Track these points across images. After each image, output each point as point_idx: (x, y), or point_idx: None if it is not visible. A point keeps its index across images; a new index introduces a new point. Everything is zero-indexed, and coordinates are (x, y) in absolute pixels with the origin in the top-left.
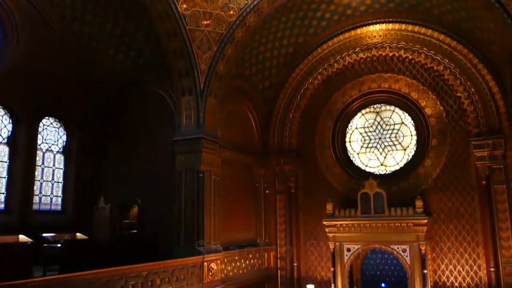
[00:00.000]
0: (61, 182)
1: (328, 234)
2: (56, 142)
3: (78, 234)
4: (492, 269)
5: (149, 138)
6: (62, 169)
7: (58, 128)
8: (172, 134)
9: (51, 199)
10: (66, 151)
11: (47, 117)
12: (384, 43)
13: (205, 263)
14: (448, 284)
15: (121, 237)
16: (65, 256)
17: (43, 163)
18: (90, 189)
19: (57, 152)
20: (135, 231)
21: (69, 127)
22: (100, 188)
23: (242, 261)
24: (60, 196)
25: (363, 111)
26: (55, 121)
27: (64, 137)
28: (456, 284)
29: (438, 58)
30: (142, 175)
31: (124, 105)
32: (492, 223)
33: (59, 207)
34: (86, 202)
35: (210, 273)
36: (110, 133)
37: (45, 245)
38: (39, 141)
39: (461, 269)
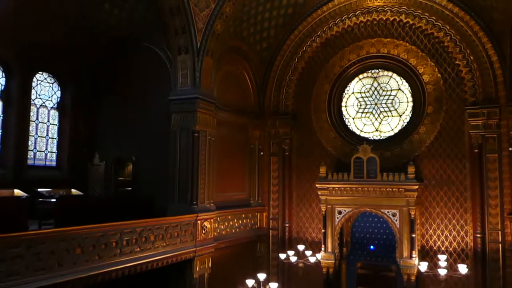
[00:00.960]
0: (55, 138)
1: (320, 196)
2: (51, 98)
3: (73, 190)
4: (478, 235)
5: (145, 95)
6: (56, 125)
7: (52, 83)
8: (167, 92)
9: (46, 155)
10: (60, 106)
11: (41, 72)
12: (385, 6)
13: (199, 222)
14: (435, 248)
15: (116, 194)
16: (60, 211)
17: (37, 119)
18: (85, 146)
19: (51, 107)
20: (130, 188)
21: (64, 82)
22: (95, 144)
23: (235, 220)
24: (55, 152)
25: (361, 76)
26: (49, 76)
27: (59, 93)
28: (443, 248)
29: (439, 24)
30: (137, 133)
31: (119, 61)
32: (481, 191)
33: (53, 163)
34: (81, 158)
35: (203, 231)
36: (105, 90)
37: (40, 200)
38: (33, 96)
39: (448, 234)
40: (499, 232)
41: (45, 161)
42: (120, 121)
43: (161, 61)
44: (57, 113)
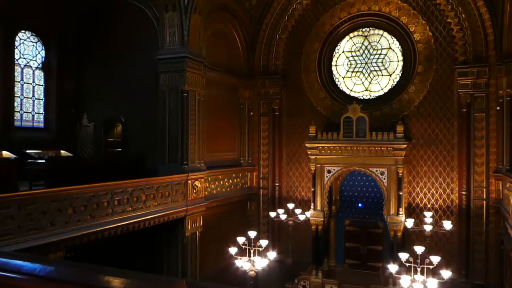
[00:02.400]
0: (42, 99)
1: (310, 156)
2: (35, 58)
3: (62, 151)
4: (463, 193)
5: (132, 55)
6: (42, 85)
7: (36, 42)
8: (155, 51)
9: (33, 116)
10: (45, 67)
11: (23, 31)
12: None
13: (189, 181)
14: (421, 205)
15: (106, 155)
16: (50, 172)
17: (22, 79)
18: (72, 106)
19: (36, 68)
20: (120, 149)
21: (47, 41)
22: (83, 105)
23: (226, 180)
24: (42, 113)
25: (351, 35)
26: (32, 35)
27: (43, 53)
28: (429, 206)
29: None
30: (125, 93)
31: (105, 20)
32: (468, 150)
33: (41, 124)
34: (69, 119)
35: (194, 191)
36: (91, 50)
37: (29, 161)
38: (16, 56)
39: (434, 192)
40: (484, 189)
41: (33, 122)
42: (107, 81)
43: (148, 19)
44: (42, 74)
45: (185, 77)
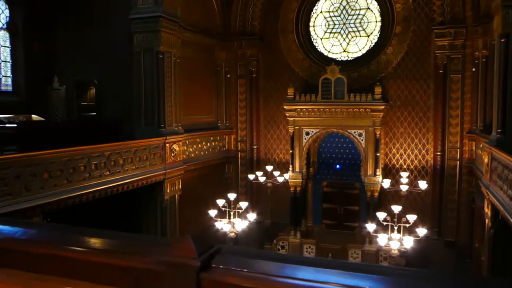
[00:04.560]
0: (9, 62)
1: (288, 118)
2: None
3: (33, 116)
4: (438, 153)
5: (104, 14)
6: (8, 47)
7: None
8: (128, 11)
9: (0, 79)
10: (10, 27)
11: None
12: None
13: (167, 145)
14: (397, 166)
15: (80, 119)
16: (22, 137)
17: None
18: (42, 69)
19: (1, 28)
20: (94, 113)
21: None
22: (53, 67)
23: (204, 143)
24: (9, 76)
25: None
26: None
27: (7, 12)
28: (405, 166)
29: None
30: (98, 54)
31: None
32: (443, 111)
33: (9, 88)
34: (39, 82)
35: (172, 154)
36: (61, 8)
37: None
38: None
39: (410, 153)
40: (458, 150)
41: (0, 86)
42: (78, 42)
43: None
44: (7, 34)
45: (160, 38)
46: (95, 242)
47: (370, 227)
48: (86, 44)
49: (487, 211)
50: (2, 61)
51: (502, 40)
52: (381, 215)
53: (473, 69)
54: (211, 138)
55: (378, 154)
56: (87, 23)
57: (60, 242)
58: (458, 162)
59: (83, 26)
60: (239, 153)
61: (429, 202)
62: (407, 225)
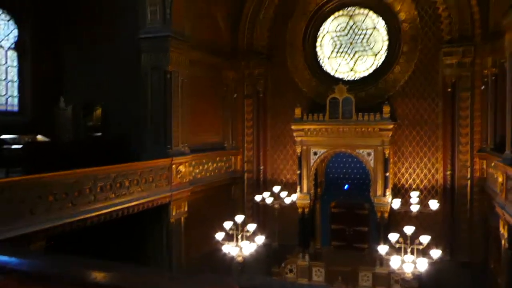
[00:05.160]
0: (16, 81)
1: (295, 138)
2: (7, 37)
3: (39, 136)
4: (448, 173)
5: (112, 34)
6: (16, 67)
7: (8, 21)
8: (136, 30)
9: (7, 99)
10: (19, 46)
11: None
12: None
13: (174, 166)
14: (406, 186)
15: (86, 139)
16: (28, 158)
17: None
18: (49, 89)
19: (9, 48)
20: (100, 133)
21: (21, 19)
22: (60, 87)
23: (210, 164)
24: (16, 96)
25: (336, 14)
26: (3, 12)
27: (16, 31)
28: (414, 186)
29: None
30: (105, 74)
31: None
32: (452, 129)
33: (15, 108)
34: (45, 102)
35: (179, 175)
36: (68, 28)
37: (4, 147)
38: None
39: (419, 172)
40: (468, 168)
41: (6, 106)
42: (85, 61)
43: None
44: (15, 54)
45: (169, 57)
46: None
47: (382, 249)
48: (93, 63)
49: (503, 231)
50: (9, 81)
51: None
52: (393, 237)
53: (482, 87)
54: (218, 159)
55: (387, 174)
56: (94, 42)
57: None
58: (469, 181)
59: (90, 45)
60: (245, 173)
61: (440, 222)
62: (421, 247)
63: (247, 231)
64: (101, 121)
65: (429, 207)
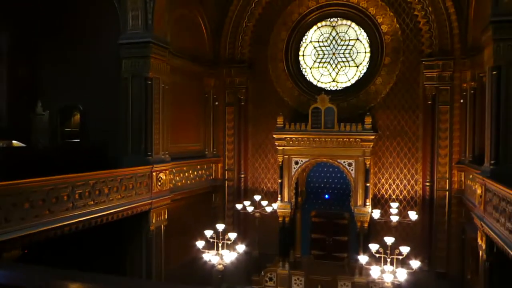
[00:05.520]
0: None
1: (277, 147)
2: None
3: (14, 142)
4: (427, 184)
5: (91, 39)
6: None
7: None
8: (116, 36)
9: None
10: None
11: None
12: None
13: (154, 173)
14: (386, 196)
15: (63, 146)
16: (2, 164)
17: None
18: (25, 93)
19: None
20: (78, 140)
21: None
22: (37, 92)
23: (190, 171)
24: None
25: (319, 24)
26: None
27: None
28: (394, 197)
29: None
30: (84, 80)
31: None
32: (432, 141)
33: None
34: (21, 107)
35: (159, 183)
36: (46, 32)
37: None
38: None
39: (399, 183)
40: (447, 180)
41: None
42: (64, 67)
43: (109, 0)
44: None
45: (150, 64)
46: None
47: (362, 259)
48: (72, 68)
49: (481, 243)
50: None
51: (494, 72)
52: (373, 247)
53: (461, 101)
54: (198, 167)
55: (368, 184)
56: (73, 47)
57: None
58: (447, 192)
59: (70, 50)
60: (226, 182)
61: (418, 233)
62: (400, 257)
63: (228, 239)
64: (79, 127)
65: (408, 218)
